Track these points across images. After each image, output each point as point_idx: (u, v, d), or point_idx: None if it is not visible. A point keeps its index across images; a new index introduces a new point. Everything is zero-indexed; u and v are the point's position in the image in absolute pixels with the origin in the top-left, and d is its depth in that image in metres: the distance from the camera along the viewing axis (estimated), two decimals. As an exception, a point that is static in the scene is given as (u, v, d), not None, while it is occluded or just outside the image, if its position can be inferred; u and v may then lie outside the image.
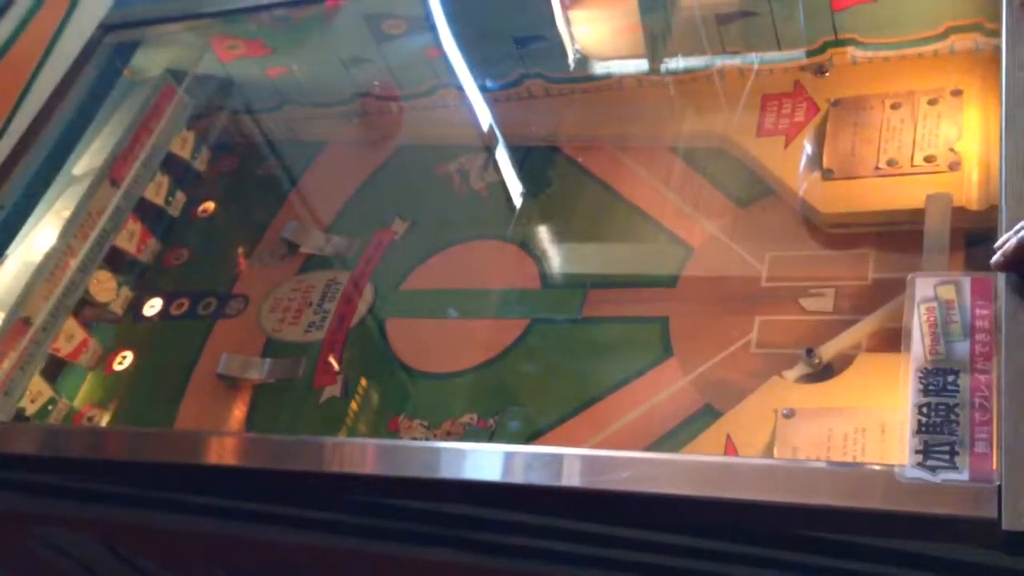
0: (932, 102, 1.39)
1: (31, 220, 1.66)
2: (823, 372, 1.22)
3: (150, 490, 1.27)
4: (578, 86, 1.69)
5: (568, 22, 1.72)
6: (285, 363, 1.51)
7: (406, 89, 1.83)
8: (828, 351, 1.23)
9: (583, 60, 1.70)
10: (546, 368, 1.40)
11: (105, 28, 1.89)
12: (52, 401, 1.55)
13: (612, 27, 1.76)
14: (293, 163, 1.84)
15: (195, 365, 1.55)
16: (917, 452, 0.90)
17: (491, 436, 1.31)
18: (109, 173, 1.70)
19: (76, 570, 1.51)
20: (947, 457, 0.89)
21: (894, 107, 1.41)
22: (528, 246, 1.53)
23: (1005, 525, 0.82)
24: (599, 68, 1.70)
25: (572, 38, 1.71)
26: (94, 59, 1.85)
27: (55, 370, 1.58)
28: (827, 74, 1.51)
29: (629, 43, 1.73)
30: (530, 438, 1.30)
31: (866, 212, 1.35)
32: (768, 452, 1.15)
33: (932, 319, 0.98)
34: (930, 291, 1.01)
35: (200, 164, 1.88)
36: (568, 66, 1.70)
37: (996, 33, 1.20)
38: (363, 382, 1.46)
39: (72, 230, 1.63)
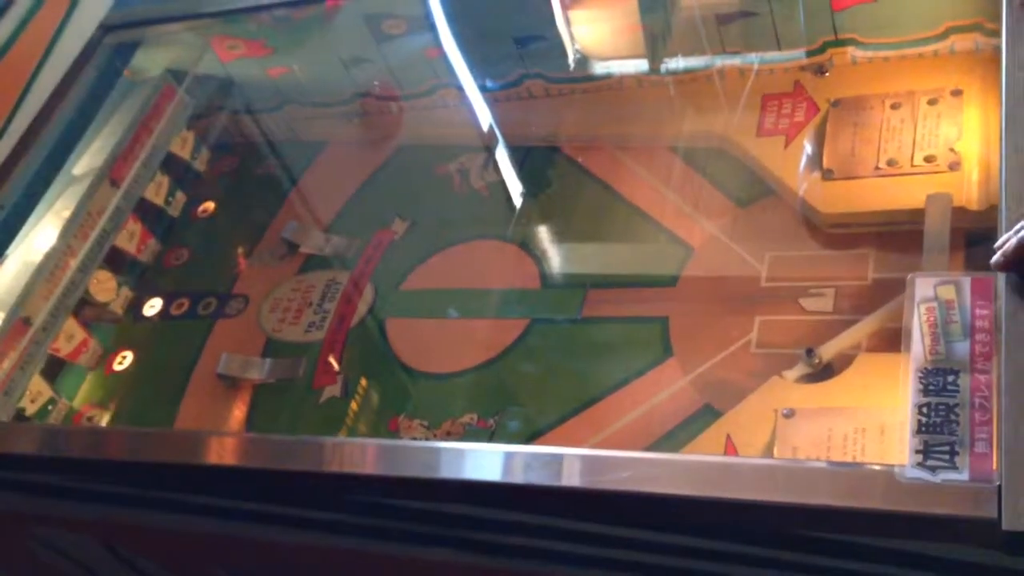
0: (932, 102, 1.39)
1: (31, 220, 1.66)
2: (823, 372, 1.22)
3: (150, 490, 1.27)
4: (578, 86, 1.69)
5: (568, 22, 1.72)
6: (285, 363, 1.51)
7: (406, 89, 1.83)
8: (828, 351, 1.22)
9: (583, 60, 1.70)
10: (546, 368, 1.40)
11: (105, 28, 1.89)
12: (52, 401, 1.55)
13: (612, 27, 1.76)
14: (293, 163, 1.84)
15: (195, 365, 1.55)
16: (917, 452, 0.90)
17: (491, 436, 1.31)
18: (109, 173, 1.70)
19: (76, 571, 1.51)
20: (947, 457, 0.89)
21: (894, 107, 1.41)
22: (528, 246, 1.53)
23: (1005, 525, 0.82)
24: (599, 68, 1.70)
25: (572, 38, 1.71)
26: (94, 59, 1.85)
27: (55, 370, 1.58)
28: (827, 74, 1.51)
29: (629, 43, 1.73)
30: (530, 438, 1.30)
31: (866, 212, 1.35)
32: (768, 452, 1.15)
33: (932, 319, 0.98)
34: (930, 291, 1.01)
35: (200, 164, 1.88)
36: (568, 66, 1.70)
37: (996, 33, 1.20)
38: (363, 382, 1.46)
39: (72, 230, 1.63)
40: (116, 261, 1.70)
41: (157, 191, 1.79)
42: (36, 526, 1.45)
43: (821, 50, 1.52)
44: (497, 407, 1.35)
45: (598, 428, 1.29)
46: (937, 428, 0.91)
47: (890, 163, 1.36)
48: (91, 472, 1.28)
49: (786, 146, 1.45)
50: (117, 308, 1.68)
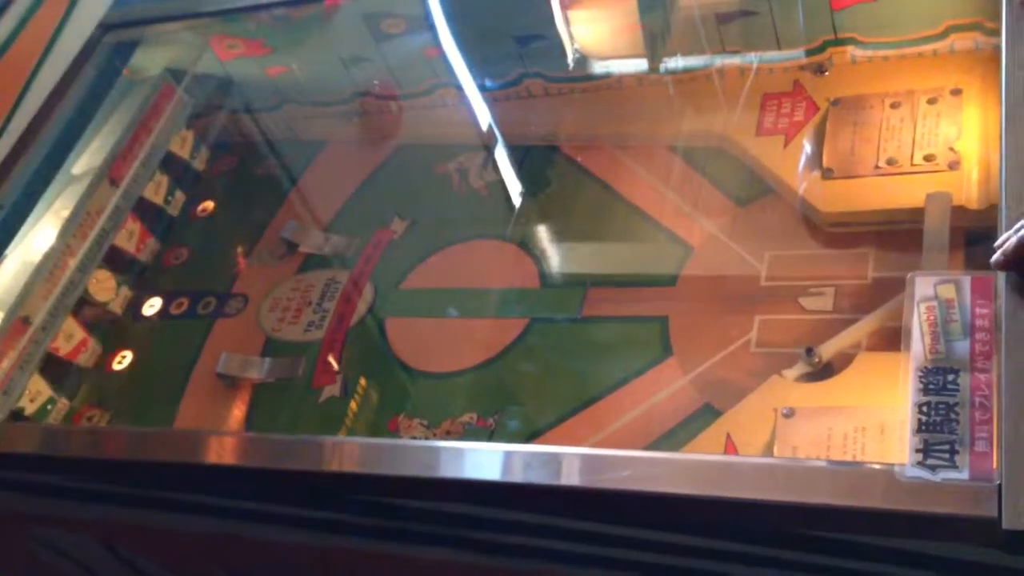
0: (932, 101, 1.39)
1: (30, 219, 1.65)
2: (823, 371, 1.22)
3: (150, 490, 1.27)
4: (577, 85, 1.69)
5: (567, 21, 1.72)
6: (284, 362, 1.51)
7: (405, 88, 1.83)
8: (828, 350, 1.23)
9: (582, 59, 1.70)
10: (545, 367, 1.40)
11: (104, 27, 1.89)
12: (51, 401, 1.55)
13: (611, 26, 1.76)
14: (292, 162, 1.84)
15: (194, 364, 1.55)
16: (917, 451, 0.90)
17: (491, 435, 1.31)
18: (108, 172, 1.70)
19: (76, 571, 1.51)
20: (947, 456, 0.89)
21: (894, 106, 1.41)
22: (527, 245, 1.53)
23: (1005, 524, 0.82)
24: (598, 67, 1.70)
25: (571, 37, 1.71)
26: (93, 58, 1.85)
27: (54, 369, 1.57)
28: (827, 73, 1.51)
29: (628, 42, 1.72)
30: (530, 437, 1.30)
31: (866, 211, 1.35)
32: (768, 451, 1.15)
33: (932, 318, 0.98)
34: (930, 290, 1.01)
35: (199, 163, 1.88)
36: (567, 65, 1.70)
37: (996, 32, 1.20)
38: (362, 381, 1.46)
39: (71, 229, 1.63)
40: (115, 260, 1.70)
41: (156, 190, 1.79)
42: (36, 526, 1.45)
43: (821, 49, 1.52)
44: (497, 406, 1.35)
45: (598, 427, 1.29)
46: (937, 427, 0.91)
47: (890, 162, 1.36)
48: (91, 472, 1.28)
49: (786, 145, 1.45)
50: (116, 307, 1.68)
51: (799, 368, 1.23)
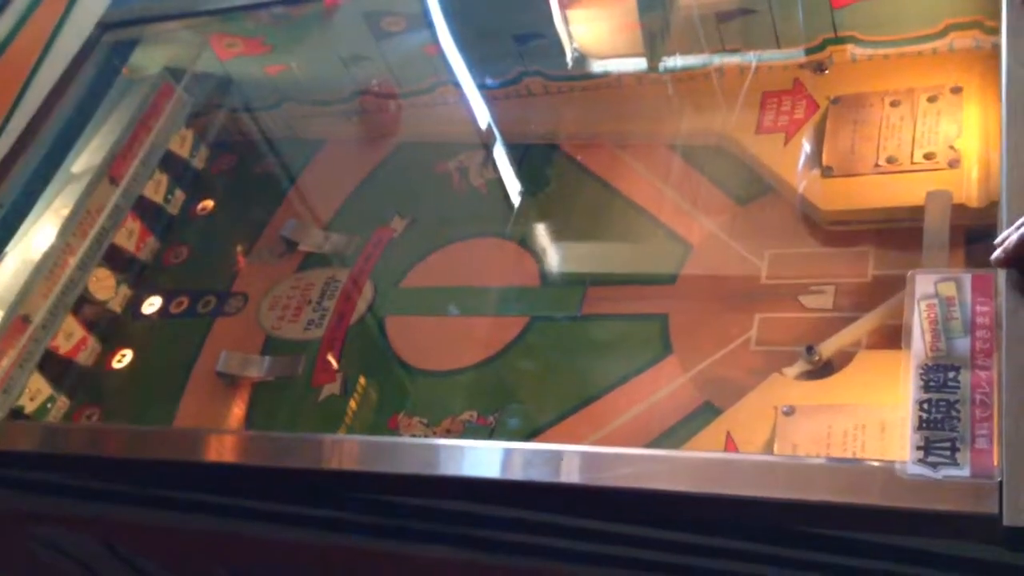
0: (932, 99, 1.39)
1: (30, 218, 1.65)
2: (823, 369, 1.22)
3: (149, 488, 1.27)
4: (577, 84, 1.69)
5: (566, 20, 1.72)
6: (284, 361, 1.51)
7: (405, 87, 1.83)
8: (828, 348, 1.22)
9: (582, 58, 1.70)
10: (546, 366, 1.40)
11: (103, 26, 1.89)
12: (51, 399, 1.55)
13: (611, 25, 1.75)
14: (292, 161, 1.84)
15: (194, 363, 1.55)
16: (918, 448, 0.90)
17: (491, 433, 1.31)
18: (108, 171, 1.70)
19: (76, 570, 1.51)
20: (948, 453, 0.89)
21: (894, 104, 1.41)
22: (527, 243, 1.53)
23: (1006, 521, 0.82)
24: (598, 66, 1.70)
25: (571, 36, 1.71)
26: (92, 57, 1.85)
27: (54, 368, 1.57)
28: (827, 71, 1.51)
29: (628, 41, 1.72)
30: (530, 435, 1.30)
31: (866, 209, 1.35)
32: (768, 449, 1.15)
33: (933, 316, 0.98)
34: (931, 288, 1.01)
35: (199, 162, 1.88)
36: (567, 64, 1.70)
37: (995, 31, 1.20)
38: (362, 380, 1.46)
39: (71, 228, 1.63)
40: (115, 259, 1.70)
41: (156, 189, 1.79)
42: (36, 524, 1.45)
43: (821, 47, 1.52)
44: (497, 405, 1.35)
45: (598, 425, 1.29)
46: (938, 424, 0.91)
47: (890, 160, 1.36)
48: (90, 470, 1.28)
49: (786, 143, 1.45)
50: (116, 306, 1.68)
51: (799, 366, 1.22)
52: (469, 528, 1.13)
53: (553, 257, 1.53)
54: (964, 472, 0.87)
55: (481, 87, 1.76)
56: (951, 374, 0.94)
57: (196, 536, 1.32)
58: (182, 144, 1.86)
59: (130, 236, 1.73)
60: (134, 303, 1.69)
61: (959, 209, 1.26)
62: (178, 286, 1.69)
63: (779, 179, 1.43)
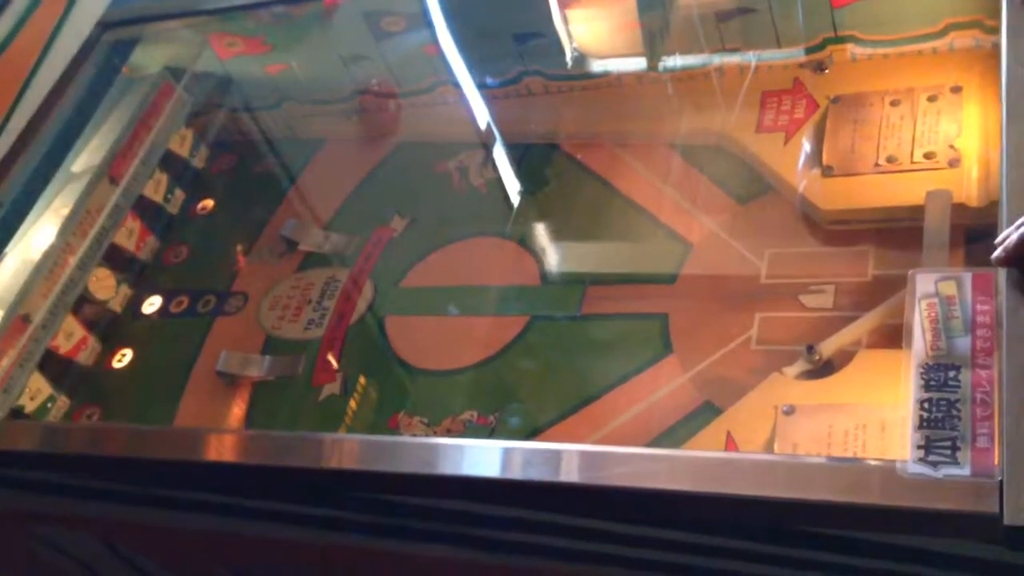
0: (932, 99, 1.39)
1: (30, 218, 1.65)
2: (823, 368, 1.22)
3: (150, 487, 1.27)
4: (577, 83, 1.69)
5: (566, 20, 1.71)
6: (284, 360, 1.51)
7: (405, 86, 1.83)
8: (828, 347, 1.22)
9: (581, 58, 1.70)
10: (546, 365, 1.40)
11: (103, 25, 1.89)
12: (51, 398, 1.55)
13: (610, 24, 1.75)
14: (292, 160, 1.84)
15: (194, 363, 1.55)
16: (919, 447, 0.90)
17: (491, 433, 1.31)
18: (108, 171, 1.70)
19: (76, 569, 1.51)
20: (949, 452, 0.89)
21: (894, 104, 1.41)
22: (527, 243, 1.53)
23: (1007, 520, 0.82)
24: (598, 66, 1.70)
25: (570, 36, 1.71)
26: (92, 56, 1.85)
27: (54, 367, 1.57)
28: (827, 71, 1.51)
29: (627, 41, 1.72)
30: (530, 435, 1.30)
31: (866, 209, 1.35)
32: (768, 449, 1.15)
33: (933, 315, 0.98)
34: (931, 287, 1.01)
35: (199, 162, 1.87)
36: (567, 64, 1.70)
37: (995, 30, 1.20)
38: (362, 380, 1.46)
39: (71, 228, 1.63)
40: (115, 258, 1.70)
41: (156, 188, 1.79)
42: (36, 524, 1.45)
43: (821, 47, 1.52)
44: (497, 404, 1.34)
45: (598, 425, 1.29)
46: (939, 423, 0.91)
47: (890, 160, 1.36)
48: (91, 469, 1.28)
49: (786, 143, 1.45)
50: (116, 306, 1.68)
51: (799, 365, 1.22)
52: (469, 527, 1.13)
53: (553, 256, 1.53)
54: (965, 471, 0.87)
55: (481, 87, 1.76)
56: (952, 373, 0.94)
57: (196, 535, 1.32)
58: (182, 143, 1.85)
59: (130, 236, 1.73)
60: (134, 303, 1.69)
61: (959, 208, 1.26)
62: (178, 286, 1.69)
63: (779, 178, 1.43)
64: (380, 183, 1.71)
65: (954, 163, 1.31)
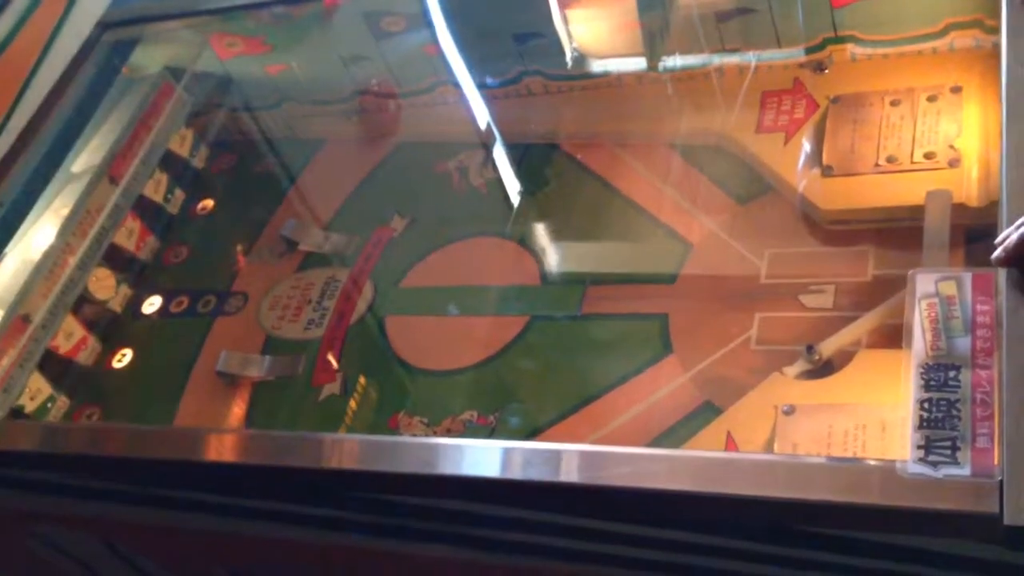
0: (932, 99, 1.39)
1: (30, 218, 1.65)
2: (823, 368, 1.22)
3: (149, 487, 1.27)
4: (577, 83, 1.69)
5: (566, 20, 1.71)
6: (284, 360, 1.51)
7: (405, 86, 1.83)
8: (828, 347, 1.22)
9: (581, 58, 1.70)
10: (546, 365, 1.40)
11: (103, 25, 1.89)
12: (51, 398, 1.55)
13: (610, 25, 1.75)
14: (292, 161, 1.84)
15: (194, 363, 1.55)
16: (919, 447, 0.90)
17: (491, 433, 1.31)
18: (108, 171, 1.70)
19: (76, 569, 1.51)
20: (949, 452, 0.88)
21: (894, 104, 1.41)
22: (527, 243, 1.53)
23: (1007, 520, 0.82)
24: (598, 66, 1.70)
25: (570, 36, 1.71)
26: (92, 56, 1.85)
27: (54, 367, 1.57)
28: (827, 71, 1.51)
29: (627, 41, 1.72)
30: (530, 435, 1.30)
31: (866, 209, 1.35)
32: (768, 449, 1.15)
33: (933, 315, 0.98)
34: (931, 287, 1.01)
35: (199, 162, 1.87)
36: (567, 64, 1.70)
37: (995, 30, 1.20)
38: (362, 380, 1.46)
39: (71, 228, 1.63)
40: (115, 258, 1.70)
41: (156, 188, 1.79)
42: (36, 523, 1.45)
43: (821, 47, 1.52)
44: (497, 404, 1.34)
45: (598, 425, 1.29)
46: (939, 423, 0.91)
47: (890, 160, 1.36)
48: (90, 469, 1.28)
49: (786, 143, 1.45)
50: (116, 306, 1.68)
51: (799, 365, 1.22)
52: (469, 527, 1.13)
53: (553, 256, 1.53)
54: (965, 471, 0.87)
55: (481, 87, 1.76)
56: (952, 373, 0.94)
57: (196, 535, 1.32)
58: (182, 143, 1.85)
59: (130, 236, 1.73)
60: (134, 303, 1.69)
61: (959, 208, 1.26)
62: (178, 286, 1.69)
63: (779, 178, 1.43)
64: (380, 183, 1.71)
65: (954, 163, 1.31)
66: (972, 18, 1.42)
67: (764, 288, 1.34)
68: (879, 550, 0.95)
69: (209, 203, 1.81)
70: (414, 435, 1.34)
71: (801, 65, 1.53)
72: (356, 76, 1.86)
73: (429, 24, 1.83)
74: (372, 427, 1.41)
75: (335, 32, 1.86)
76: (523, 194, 1.62)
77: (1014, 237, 0.94)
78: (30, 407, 1.52)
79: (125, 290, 1.70)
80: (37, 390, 1.54)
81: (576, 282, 1.47)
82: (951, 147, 1.33)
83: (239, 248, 1.71)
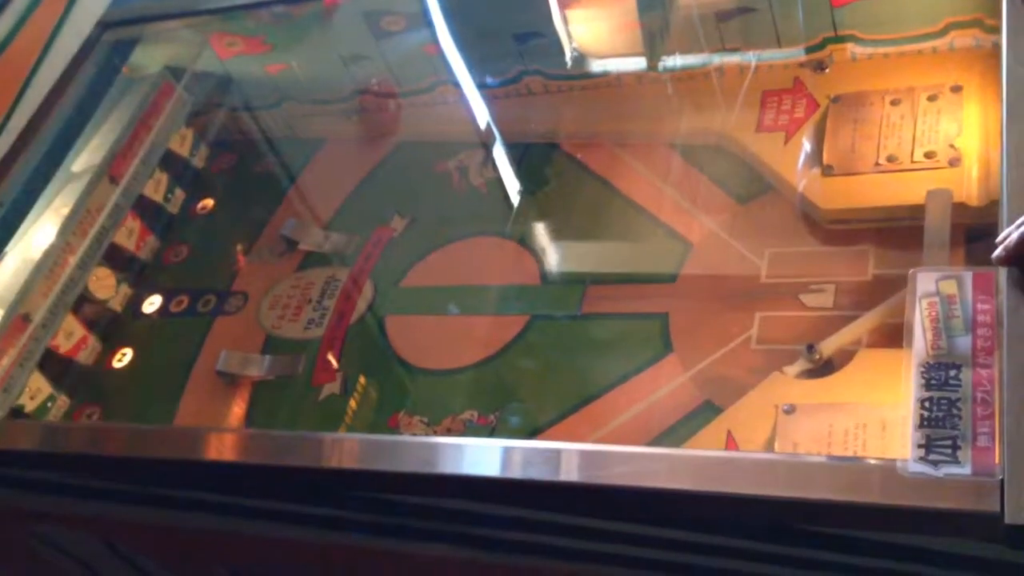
0: (932, 98, 1.39)
1: (30, 217, 1.65)
2: (824, 368, 1.22)
3: (149, 487, 1.27)
4: (577, 83, 1.69)
5: (566, 20, 1.71)
6: (284, 360, 1.51)
7: (405, 86, 1.83)
8: (829, 347, 1.22)
9: (581, 57, 1.70)
10: (546, 364, 1.40)
11: (104, 25, 1.89)
12: (51, 398, 1.55)
13: (610, 24, 1.75)
14: (292, 160, 1.84)
15: (194, 362, 1.55)
16: (919, 446, 0.90)
17: (491, 433, 1.31)
18: (108, 170, 1.70)
19: (76, 568, 1.51)
20: (949, 451, 0.88)
21: (894, 103, 1.41)
22: (527, 242, 1.53)
23: (1008, 519, 0.82)
24: (598, 65, 1.70)
25: (570, 36, 1.71)
26: (93, 56, 1.85)
27: (54, 367, 1.57)
28: (827, 70, 1.51)
29: (627, 40, 1.72)
30: (531, 434, 1.30)
31: (866, 208, 1.35)
32: (769, 448, 1.15)
33: (934, 314, 0.98)
34: (932, 286, 1.01)
35: (199, 161, 1.87)
36: (567, 63, 1.70)
37: (995, 29, 1.21)
38: (362, 379, 1.46)
39: (71, 227, 1.63)
40: (115, 258, 1.70)
41: (156, 188, 1.79)
42: (36, 523, 1.44)
43: (821, 46, 1.52)
44: (498, 404, 1.34)
45: (598, 424, 1.29)
46: (939, 422, 0.91)
47: (890, 159, 1.36)
48: (91, 469, 1.28)
49: (786, 142, 1.45)
50: (116, 305, 1.68)
51: (800, 365, 1.22)
52: (469, 526, 1.13)
53: (553, 256, 1.53)
54: (965, 470, 0.87)
55: (481, 86, 1.76)
56: (952, 372, 0.94)
57: (196, 534, 1.32)
58: (182, 143, 1.85)
59: (130, 235, 1.73)
60: (134, 302, 1.68)
61: (959, 208, 1.26)
62: (178, 285, 1.69)
63: (779, 178, 1.42)
64: (380, 183, 1.71)
65: (954, 162, 1.31)
66: (972, 17, 1.42)
67: (764, 287, 1.34)
68: (880, 549, 0.95)
69: (209, 203, 1.81)
70: (414, 435, 1.34)
71: (801, 64, 1.53)
72: (356, 75, 1.86)
73: (429, 23, 1.83)
74: (372, 427, 1.41)
75: (335, 31, 1.86)
76: (523, 194, 1.62)
77: (1015, 236, 0.94)
78: (30, 406, 1.52)
79: (125, 289, 1.70)
80: (37, 389, 1.54)
81: (576, 281, 1.47)
82: (951, 146, 1.33)
83: (239, 247, 1.71)
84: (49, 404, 1.55)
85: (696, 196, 1.48)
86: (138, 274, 1.72)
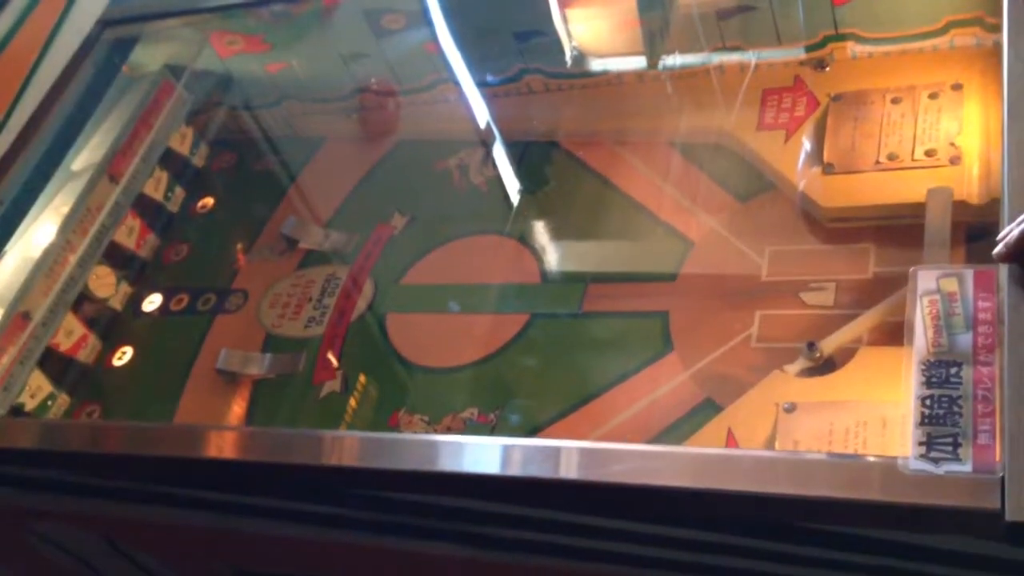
0: (932, 96, 1.39)
1: (30, 216, 1.65)
2: (824, 366, 1.22)
3: (150, 484, 1.27)
4: (577, 81, 1.69)
5: (566, 18, 1.71)
6: (285, 358, 1.51)
7: (405, 84, 1.83)
8: (829, 345, 1.22)
9: (581, 56, 1.70)
10: (546, 363, 1.40)
11: (103, 24, 1.88)
12: (52, 396, 1.55)
13: (610, 23, 1.75)
14: (292, 158, 1.84)
15: (195, 361, 1.55)
16: (920, 444, 0.90)
17: (492, 431, 1.31)
18: (108, 169, 1.70)
19: (76, 566, 1.51)
20: (950, 449, 0.88)
21: (894, 101, 1.41)
22: (528, 241, 1.53)
23: (1008, 516, 0.82)
24: (598, 64, 1.70)
25: (570, 34, 1.71)
26: (92, 55, 1.85)
27: (54, 365, 1.57)
28: (827, 69, 1.51)
29: (627, 39, 1.72)
30: (531, 433, 1.30)
31: (867, 206, 1.35)
32: (769, 446, 1.15)
33: (935, 311, 0.98)
34: (932, 283, 1.00)
35: (199, 160, 1.87)
36: (567, 62, 1.70)
37: (996, 28, 1.20)
38: (363, 377, 1.46)
39: (71, 226, 1.63)
40: (115, 256, 1.70)
41: (156, 187, 1.79)
42: (36, 521, 1.45)
43: (821, 45, 1.52)
44: (498, 402, 1.34)
45: (599, 423, 1.29)
46: (940, 420, 0.90)
47: (890, 157, 1.36)
48: (91, 467, 1.28)
49: (786, 140, 1.45)
50: (116, 304, 1.68)
51: (800, 363, 1.22)
52: (469, 524, 1.13)
53: (553, 254, 1.53)
54: (966, 468, 0.87)
55: (481, 85, 1.76)
56: (953, 370, 0.93)
57: (197, 532, 1.32)
58: (182, 142, 1.85)
59: (130, 234, 1.73)
60: (134, 301, 1.68)
61: (960, 206, 1.26)
62: (178, 284, 1.69)
63: (780, 176, 1.42)
64: (380, 181, 1.71)
65: (955, 160, 1.31)
66: (973, 16, 1.42)
67: (765, 286, 1.34)
68: (880, 546, 0.95)
69: (209, 201, 1.81)
70: (415, 433, 1.34)
71: (802, 63, 1.53)
72: (356, 74, 1.86)
73: (429, 22, 1.83)
74: (372, 425, 1.41)
75: (335, 30, 1.86)
76: (523, 192, 1.62)
77: (1015, 233, 0.94)
78: (30, 405, 1.52)
79: (125, 288, 1.69)
80: (37, 388, 1.54)
81: (577, 280, 1.47)
82: (952, 144, 1.33)
83: (239, 246, 1.71)
84: (49, 402, 1.55)
85: (696, 194, 1.48)
86: (138, 272, 1.72)
